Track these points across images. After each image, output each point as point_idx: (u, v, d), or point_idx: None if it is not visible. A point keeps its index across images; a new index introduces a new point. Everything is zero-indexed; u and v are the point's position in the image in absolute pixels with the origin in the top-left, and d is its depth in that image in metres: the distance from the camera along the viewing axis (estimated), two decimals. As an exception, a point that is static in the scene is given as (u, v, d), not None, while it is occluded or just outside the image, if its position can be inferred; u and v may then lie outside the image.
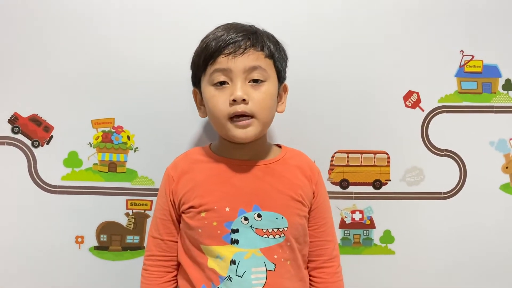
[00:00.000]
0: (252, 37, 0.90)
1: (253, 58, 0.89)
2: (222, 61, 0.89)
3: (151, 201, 1.14)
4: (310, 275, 1.00)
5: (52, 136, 1.13)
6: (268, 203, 0.91)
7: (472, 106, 1.16)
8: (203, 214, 0.90)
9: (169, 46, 1.11)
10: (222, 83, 0.89)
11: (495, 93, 1.17)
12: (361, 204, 1.17)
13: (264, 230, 0.90)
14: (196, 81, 0.96)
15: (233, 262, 0.89)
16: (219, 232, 0.89)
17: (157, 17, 1.11)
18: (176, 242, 0.97)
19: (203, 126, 1.14)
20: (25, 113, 1.12)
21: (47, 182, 1.13)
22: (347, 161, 1.16)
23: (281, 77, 0.96)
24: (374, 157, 1.16)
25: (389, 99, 1.15)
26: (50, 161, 1.13)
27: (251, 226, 0.90)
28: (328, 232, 1.00)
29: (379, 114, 1.15)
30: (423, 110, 1.16)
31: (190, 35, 1.09)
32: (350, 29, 1.13)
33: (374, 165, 1.16)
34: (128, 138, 1.13)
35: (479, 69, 1.16)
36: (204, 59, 0.91)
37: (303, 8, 1.12)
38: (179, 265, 0.98)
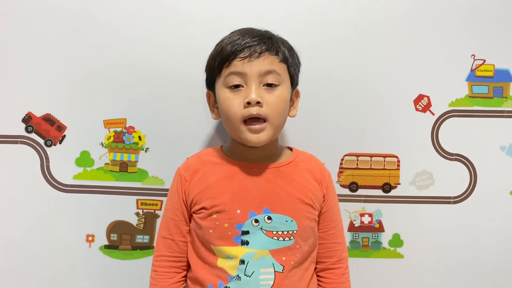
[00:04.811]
0: (268, 42, 0.91)
1: (268, 62, 0.90)
2: (238, 65, 0.89)
3: (161, 201, 1.15)
4: (318, 276, 1.00)
5: (64, 136, 1.14)
6: (278, 206, 0.92)
7: (483, 111, 1.16)
8: (214, 216, 0.91)
9: (180, 48, 1.12)
10: (237, 86, 0.90)
11: (506, 97, 1.16)
12: (370, 207, 1.17)
13: (274, 232, 0.91)
14: (211, 84, 0.97)
15: (242, 262, 0.89)
16: (230, 233, 0.90)
17: (169, 19, 1.12)
18: (187, 242, 0.97)
19: (213, 127, 1.14)
20: (38, 113, 1.14)
21: (59, 180, 1.14)
22: (357, 164, 1.16)
23: (294, 82, 0.97)
24: (384, 161, 1.16)
25: (399, 103, 1.15)
26: (63, 160, 1.14)
27: (261, 228, 0.90)
28: (337, 234, 1.00)
29: (390, 117, 1.15)
30: (433, 114, 1.16)
31: (201, 37, 1.11)
32: (361, 32, 1.14)
33: (384, 169, 1.16)
34: (140, 138, 1.14)
35: (490, 74, 1.15)
36: (220, 62, 0.91)
37: (312, 11, 1.13)
38: (188, 266, 0.98)
